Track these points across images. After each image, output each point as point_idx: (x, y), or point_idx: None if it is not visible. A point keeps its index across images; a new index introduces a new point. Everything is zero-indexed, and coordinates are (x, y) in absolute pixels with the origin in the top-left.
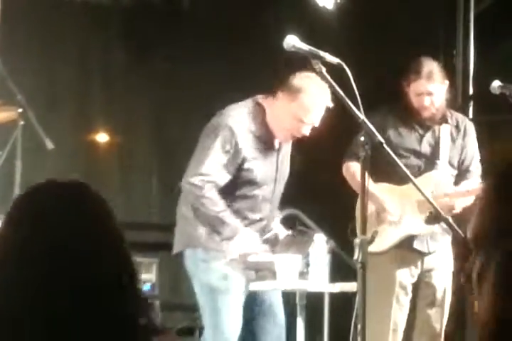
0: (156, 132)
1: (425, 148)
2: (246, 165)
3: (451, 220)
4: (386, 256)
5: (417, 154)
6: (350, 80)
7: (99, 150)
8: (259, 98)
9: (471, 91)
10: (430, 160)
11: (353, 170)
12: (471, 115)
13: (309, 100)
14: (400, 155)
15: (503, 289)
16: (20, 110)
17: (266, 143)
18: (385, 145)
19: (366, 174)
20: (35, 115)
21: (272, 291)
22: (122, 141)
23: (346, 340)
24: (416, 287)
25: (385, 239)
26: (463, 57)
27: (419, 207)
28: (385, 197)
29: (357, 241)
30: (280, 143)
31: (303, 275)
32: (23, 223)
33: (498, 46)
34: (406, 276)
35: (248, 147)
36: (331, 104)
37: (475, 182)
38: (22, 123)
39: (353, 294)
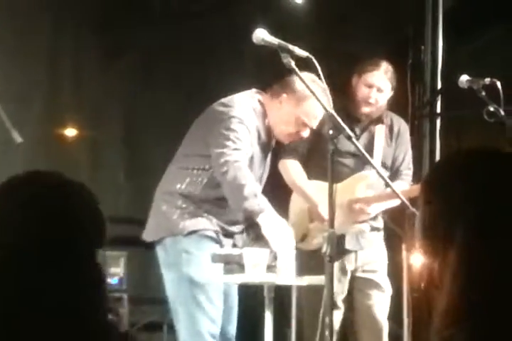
0: (124, 127)
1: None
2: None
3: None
4: (318, 254)
5: (351, 154)
6: (319, 74)
7: (68, 144)
8: (259, 95)
9: (439, 86)
10: (363, 161)
11: (288, 167)
12: (439, 109)
13: (316, 106)
14: (338, 156)
15: (464, 279)
16: None
17: (264, 141)
18: (353, 140)
19: (332, 168)
20: (4, 108)
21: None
22: (91, 136)
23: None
24: (351, 283)
25: (315, 237)
26: (431, 51)
27: (349, 207)
28: (318, 196)
29: (325, 234)
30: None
31: (271, 268)
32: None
33: (466, 41)
34: (337, 275)
35: (253, 142)
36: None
37: (403, 184)
38: None
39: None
